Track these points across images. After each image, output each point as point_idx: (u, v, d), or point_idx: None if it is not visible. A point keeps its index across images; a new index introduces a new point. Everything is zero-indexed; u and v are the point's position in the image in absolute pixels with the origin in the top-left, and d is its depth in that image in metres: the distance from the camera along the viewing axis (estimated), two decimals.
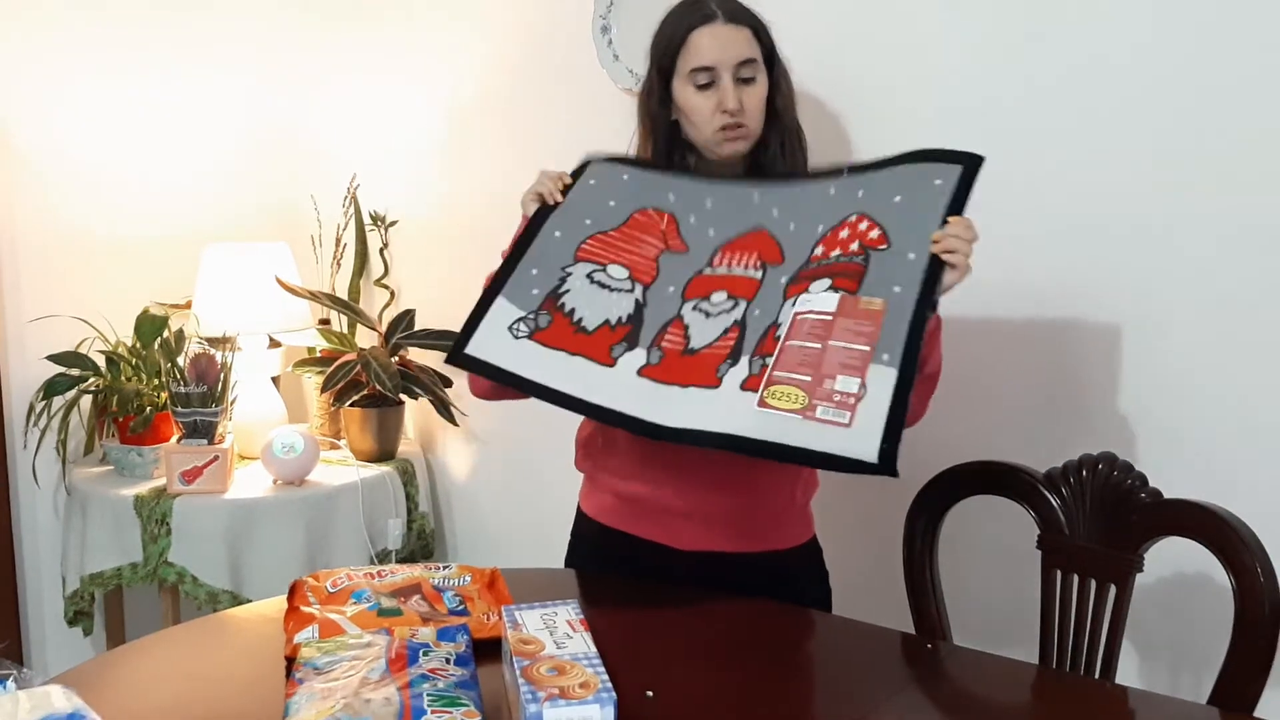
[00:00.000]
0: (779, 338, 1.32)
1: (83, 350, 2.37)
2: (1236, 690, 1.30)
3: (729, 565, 1.52)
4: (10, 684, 1.05)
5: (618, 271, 1.46)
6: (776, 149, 1.52)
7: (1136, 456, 1.44)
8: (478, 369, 1.43)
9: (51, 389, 2.34)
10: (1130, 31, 1.59)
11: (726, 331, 1.38)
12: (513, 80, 2.41)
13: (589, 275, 1.46)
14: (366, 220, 2.71)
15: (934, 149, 1.38)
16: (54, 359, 2.33)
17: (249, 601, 2.14)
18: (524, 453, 2.48)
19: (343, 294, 2.68)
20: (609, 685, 1.04)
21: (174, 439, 2.28)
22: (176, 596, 2.28)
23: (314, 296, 2.48)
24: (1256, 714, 1.27)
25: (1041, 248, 1.70)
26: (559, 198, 1.53)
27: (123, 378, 2.35)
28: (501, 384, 1.43)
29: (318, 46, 2.78)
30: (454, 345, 1.45)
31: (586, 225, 1.50)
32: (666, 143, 1.56)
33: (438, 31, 2.55)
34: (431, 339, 2.46)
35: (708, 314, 1.41)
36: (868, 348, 1.26)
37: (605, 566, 1.59)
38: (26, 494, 2.45)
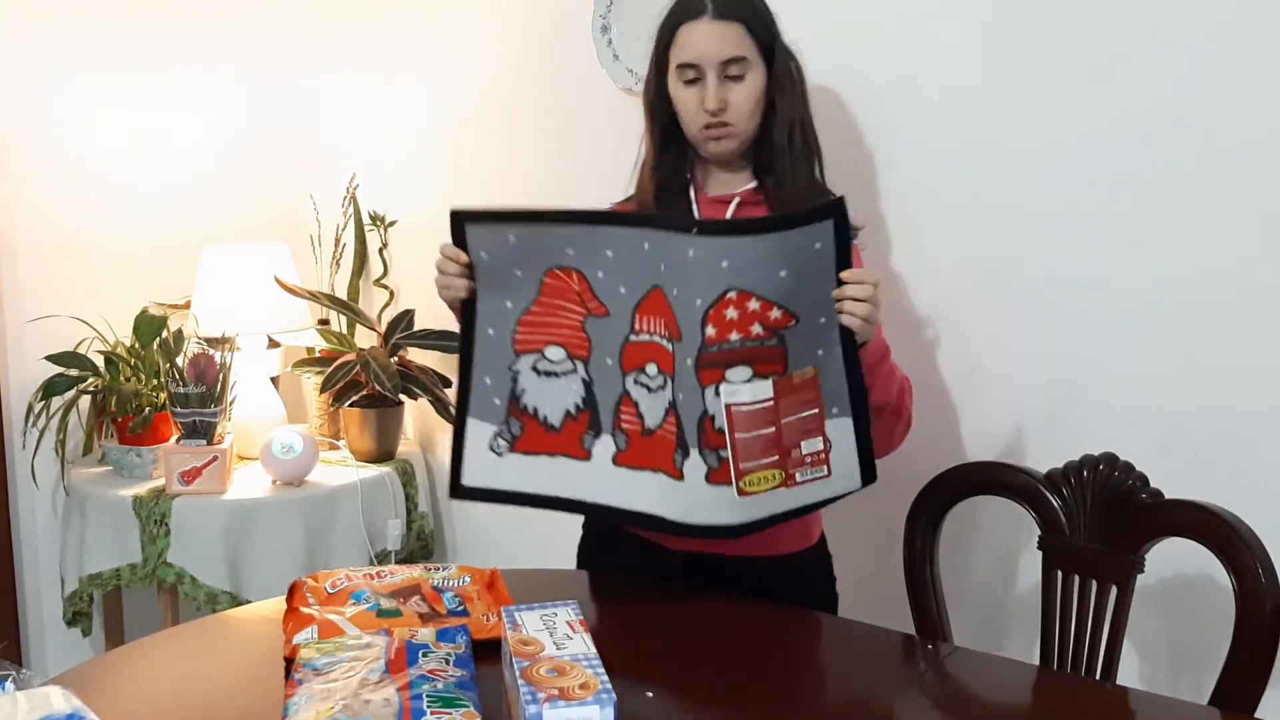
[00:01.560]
0: (720, 430, 1.34)
1: (81, 350, 2.36)
2: (1237, 690, 1.30)
3: (723, 566, 1.51)
4: (9, 684, 1.05)
5: (555, 353, 1.46)
6: (784, 144, 1.49)
7: (1136, 456, 1.43)
8: (479, 498, 1.48)
9: (50, 389, 2.33)
10: (1144, 25, 1.59)
11: (666, 413, 1.40)
12: (513, 80, 2.41)
13: (534, 367, 1.46)
14: (366, 220, 2.70)
15: (792, 214, 1.32)
16: (53, 359, 2.32)
17: (248, 602, 2.13)
18: None
19: (342, 294, 2.67)
20: (609, 686, 1.03)
21: (173, 439, 2.28)
22: (175, 597, 2.27)
23: (313, 296, 2.47)
24: (1257, 715, 1.27)
25: (1042, 246, 1.70)
26: (471, 284, 1.44)
27: (121, 378, 2.35)
28: (505, 504, 1.47)
29: (317, 46, 2.77)
30: (450, 480, 1.50)
31: (509, 309, 1.45)
32: (664, 138, 1.55)
33: (437, 31, 2.55)
34: (431, 339, 2.46)
35: (649, 389, 1.42)
36: (817, 410, 1.35)
37: (608, 560, 1.61)
38: (25, 494, 2.45)
